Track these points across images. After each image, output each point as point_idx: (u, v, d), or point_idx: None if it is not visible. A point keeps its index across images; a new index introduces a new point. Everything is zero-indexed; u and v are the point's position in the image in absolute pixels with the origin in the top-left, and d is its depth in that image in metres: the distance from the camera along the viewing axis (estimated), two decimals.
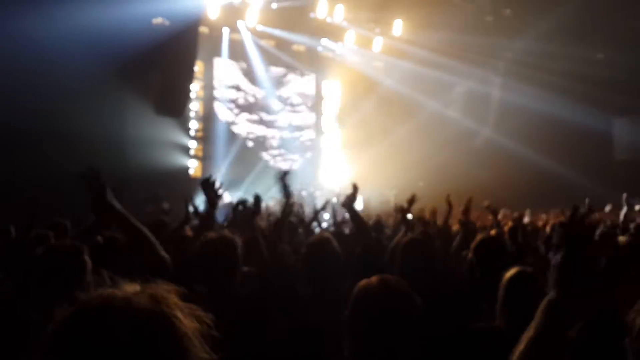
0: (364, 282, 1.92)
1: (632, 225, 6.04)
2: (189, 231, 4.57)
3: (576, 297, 1.20)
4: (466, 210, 5.65)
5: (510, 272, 2.68)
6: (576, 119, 16.14)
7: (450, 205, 5.78)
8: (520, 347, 1.21)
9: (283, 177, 4.13)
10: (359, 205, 12.95)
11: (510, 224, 6.30)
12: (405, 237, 4.02)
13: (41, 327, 1.83)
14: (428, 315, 2.87)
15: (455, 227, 6.19)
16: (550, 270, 1.29)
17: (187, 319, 0.99)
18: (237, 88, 19.22)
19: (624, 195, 6.67)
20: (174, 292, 1.02)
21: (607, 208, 9.99)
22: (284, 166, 19.60)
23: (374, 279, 1.92)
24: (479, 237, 3.83)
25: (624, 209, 6.59)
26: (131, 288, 1.00)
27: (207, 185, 3.57)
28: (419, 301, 1.88)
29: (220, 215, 9.53)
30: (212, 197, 3.56)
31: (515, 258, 4.11)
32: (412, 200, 4.83)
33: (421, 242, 3.57)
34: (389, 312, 1.82)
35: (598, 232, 5.58)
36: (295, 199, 12.20)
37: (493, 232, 5.53)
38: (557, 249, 1.25)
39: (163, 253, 2.49)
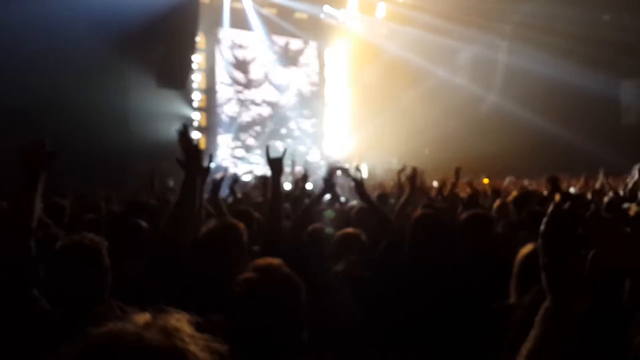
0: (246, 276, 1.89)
1: None
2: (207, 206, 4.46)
3: (572, 300, 1.13)
4: (455, 183, 5.67)
5: (526, 249, 2.59)
6: (583, 83, 15.86)
7: (457, 176, 5.75)
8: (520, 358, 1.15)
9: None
10: (363, 174, 12.91)
11: (515, 193, 6.23)
12: (416, 209, 3.93)
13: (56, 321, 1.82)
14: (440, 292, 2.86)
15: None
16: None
17: (202, 352, 0.95)
18: (239, 57, 19.00)
19: (638, 166, 6.46)
20: (187, 322, 0.98)
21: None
22: (286, 135, 19.53)
23: (255, 270, 1.89)
24: (467, 213, 3.72)
25: (635, 178, 6.41)
26: (142, 319, 0.96)
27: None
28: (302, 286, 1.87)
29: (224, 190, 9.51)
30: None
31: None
32: (414, 174, 4.65)
33: (434, 217, 3.39)
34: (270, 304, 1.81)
35: (606, 200, 5.51)
36: (300, 171, 12.14)
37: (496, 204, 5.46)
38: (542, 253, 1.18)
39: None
